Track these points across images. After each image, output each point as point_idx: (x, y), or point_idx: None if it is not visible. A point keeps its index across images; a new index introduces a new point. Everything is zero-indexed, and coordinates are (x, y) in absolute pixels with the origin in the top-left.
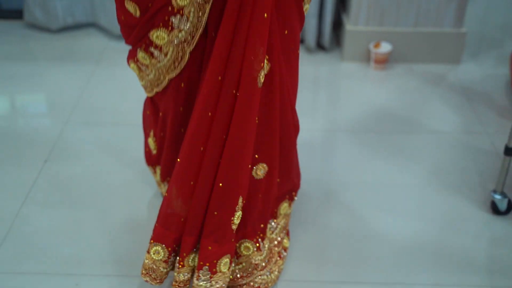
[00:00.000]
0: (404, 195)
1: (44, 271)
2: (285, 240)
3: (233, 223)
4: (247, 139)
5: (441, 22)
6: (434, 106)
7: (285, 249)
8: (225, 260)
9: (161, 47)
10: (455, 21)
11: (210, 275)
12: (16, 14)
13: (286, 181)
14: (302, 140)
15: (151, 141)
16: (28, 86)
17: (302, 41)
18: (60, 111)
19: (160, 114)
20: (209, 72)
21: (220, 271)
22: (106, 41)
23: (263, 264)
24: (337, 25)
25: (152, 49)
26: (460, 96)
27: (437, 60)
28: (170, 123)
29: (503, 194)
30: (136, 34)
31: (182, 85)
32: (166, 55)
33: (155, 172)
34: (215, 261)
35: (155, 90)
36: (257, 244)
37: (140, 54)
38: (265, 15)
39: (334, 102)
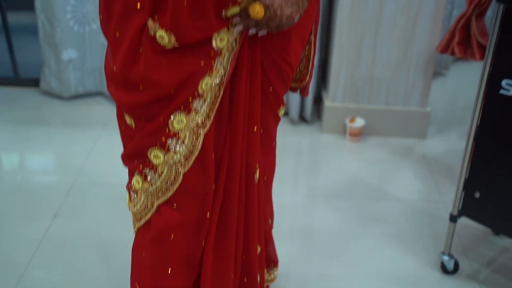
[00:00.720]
0: (368, 255)
1: None
2: None
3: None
4: (253, 221)
5: (408, 102)
6: (401, 176)
7: None
8: None
9: (156, 168)
10: (421, 101)
11: None
12: (33, 82)
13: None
14: (286, 204)
15: None
16: (41, 147)
17: (286, 114)
18: (70, 171)
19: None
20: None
21: None
22: (112, 108)
23: None
24: (318, 101)
25: (147, 170)
26: (424, 167)
27: (405, 135)
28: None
29: (450, 256)
30: (133, 147)
31: (175, 205)
32: (160, 175)
33: None
34: None
35: (137, 226)
36: None
37: (135, 178)
38: (255, 128)
39: (314, 169)
